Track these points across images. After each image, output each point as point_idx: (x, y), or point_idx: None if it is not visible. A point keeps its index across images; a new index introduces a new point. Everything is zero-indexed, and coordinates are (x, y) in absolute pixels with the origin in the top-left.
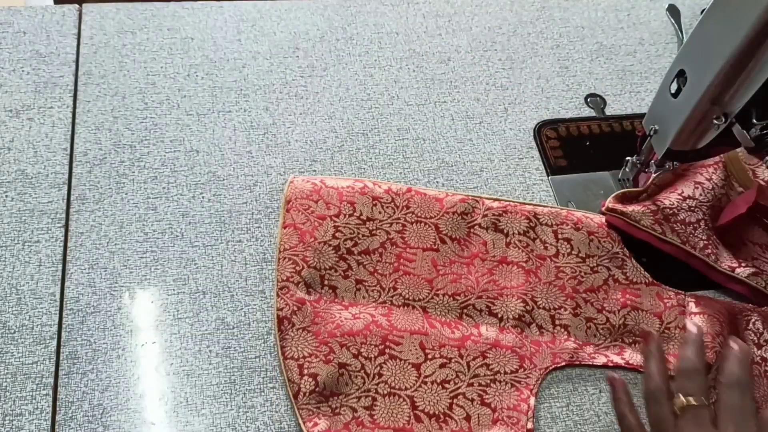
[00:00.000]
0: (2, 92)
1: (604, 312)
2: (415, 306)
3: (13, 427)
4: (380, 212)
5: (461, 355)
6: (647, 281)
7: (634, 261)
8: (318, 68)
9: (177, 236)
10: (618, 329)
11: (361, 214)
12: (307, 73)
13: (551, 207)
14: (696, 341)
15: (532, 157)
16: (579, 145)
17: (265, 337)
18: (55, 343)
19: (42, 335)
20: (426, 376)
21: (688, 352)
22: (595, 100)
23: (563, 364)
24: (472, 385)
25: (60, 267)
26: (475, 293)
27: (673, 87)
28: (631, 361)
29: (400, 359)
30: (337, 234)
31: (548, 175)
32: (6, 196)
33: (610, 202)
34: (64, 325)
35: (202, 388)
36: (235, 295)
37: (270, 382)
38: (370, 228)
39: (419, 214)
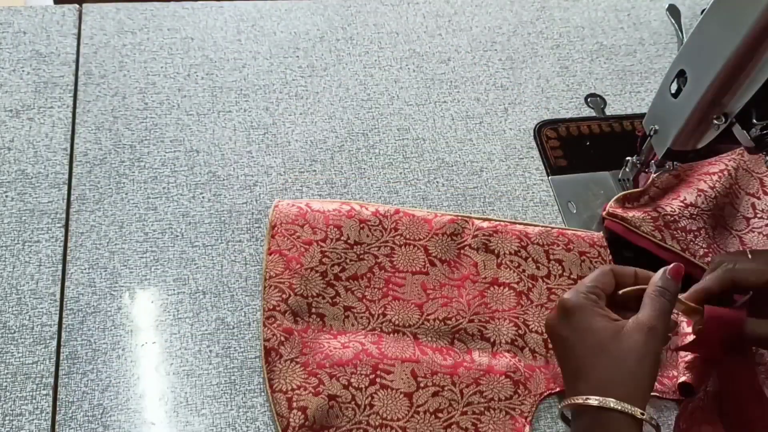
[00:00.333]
0: (2, 92)
1: None
2: (405, 332)
3: (13, 427)
4: (368, 236)
5: (454, 383)
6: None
7: None
8: (318, 68)
9: (177, 236)
10: None
11: (348, 238)
12: (307, 73)
13: (542, 226)
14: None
15: (532, 157)
16: (579, 145)
17: None
18: (55, 343)
19: (42, 335)
20: (418, 406)
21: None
22: (595, 100)
23: (557, 389)
24: (465, 413)
25: (60, 267)
26: (467, 317)
27: (673, 87)
28: None
29: (392, 388)
30: (324, 259)
31: (548, 175)
32: (6, 196)
33: (611, 206)
34: (64, 325)
35: (202, 388)
36: (235, 295)
37: None
38: (358, 252)
39: (408, 237)
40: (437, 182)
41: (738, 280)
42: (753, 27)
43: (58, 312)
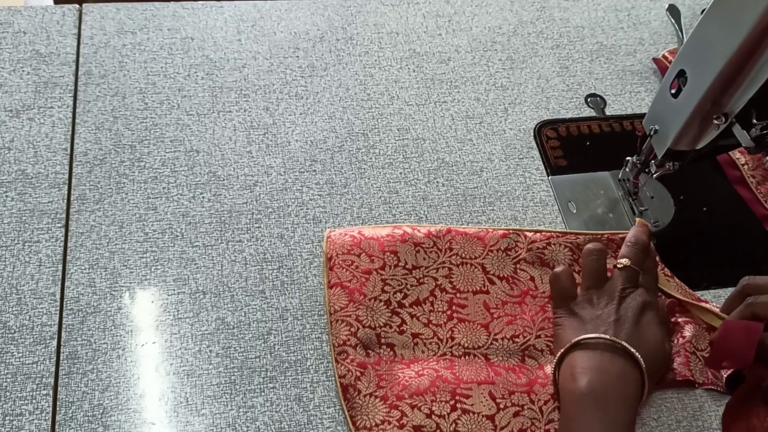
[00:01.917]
0: (2, 92)
1: None
2: (476, 354)
3: (13, 427)
4: (424, 258)
5: (532, 401)
6: (694, 298)
7: (676, 280)
8: (318, 68)
9: (177, 236)
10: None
11: (406, 264)
12: (307, 73)
13: (591, 234)
14: (646, 231)
15: (532, 157)
16: (579, 145)
17: (265, 337)
18: (55, 343)
19: (42, 335)
20: (502, 428)
21: (640, 232)
22: (595, 100)
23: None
24: (548, 431)
25: (60, 267)
26: (533, 333)
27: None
28: (696, 374)
29: (473, 412)
30: (385, 287)
31: (548, 175)
32: (6, 196)
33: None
34: (64, 325)
35: (202, 388)
36: (235, 295)
37: (270, 382)
38: (417, 276)
39: (463, 255)
40: (437, 182)
41: (758, 314)
42: (753, 27)
43: (58, 312)
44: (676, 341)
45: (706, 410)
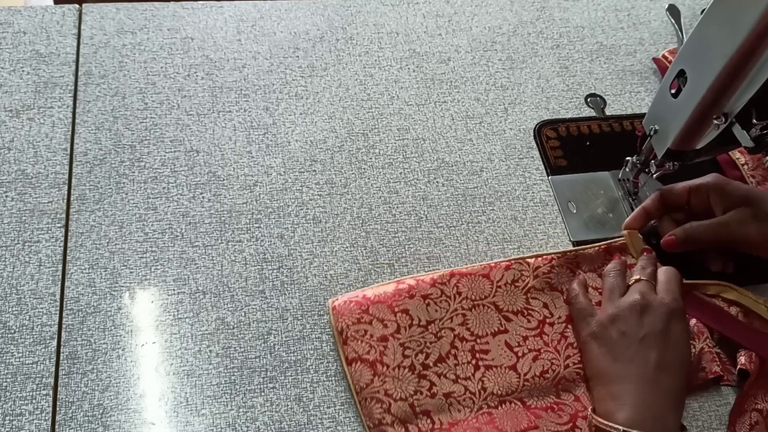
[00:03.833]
0: (2, 92)
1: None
2: (512, 401)
3: (13, 427)
4: (436, 310)
5: None
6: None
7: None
8: (318, 68)
9: (177, 236)
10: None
11: (420, 321)
12: (307, 73)
13: (587, 248)
14: (652, 258)
15: (532, 157)
16: (579, 145)
17: (265, 337)
18: (55, 343)
19: (42, 335)
20: None
21: (647, 258)
22: (595, 100)
23: None
24: None
25: (60, 267)
26: (561, 364)
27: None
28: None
29: None
30: (406, 352)
31: (548, 175)
32: (6, 196)
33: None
34: (64, 325)
35: (202, 388)
36: (235, 295)
37: (270, 382)
38: (434, 331)
39: (473, 297)
40: (437, 182)
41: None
42: (753, 27)
43: (58, 312)
44: (698, 343)
45: (706, 410)
